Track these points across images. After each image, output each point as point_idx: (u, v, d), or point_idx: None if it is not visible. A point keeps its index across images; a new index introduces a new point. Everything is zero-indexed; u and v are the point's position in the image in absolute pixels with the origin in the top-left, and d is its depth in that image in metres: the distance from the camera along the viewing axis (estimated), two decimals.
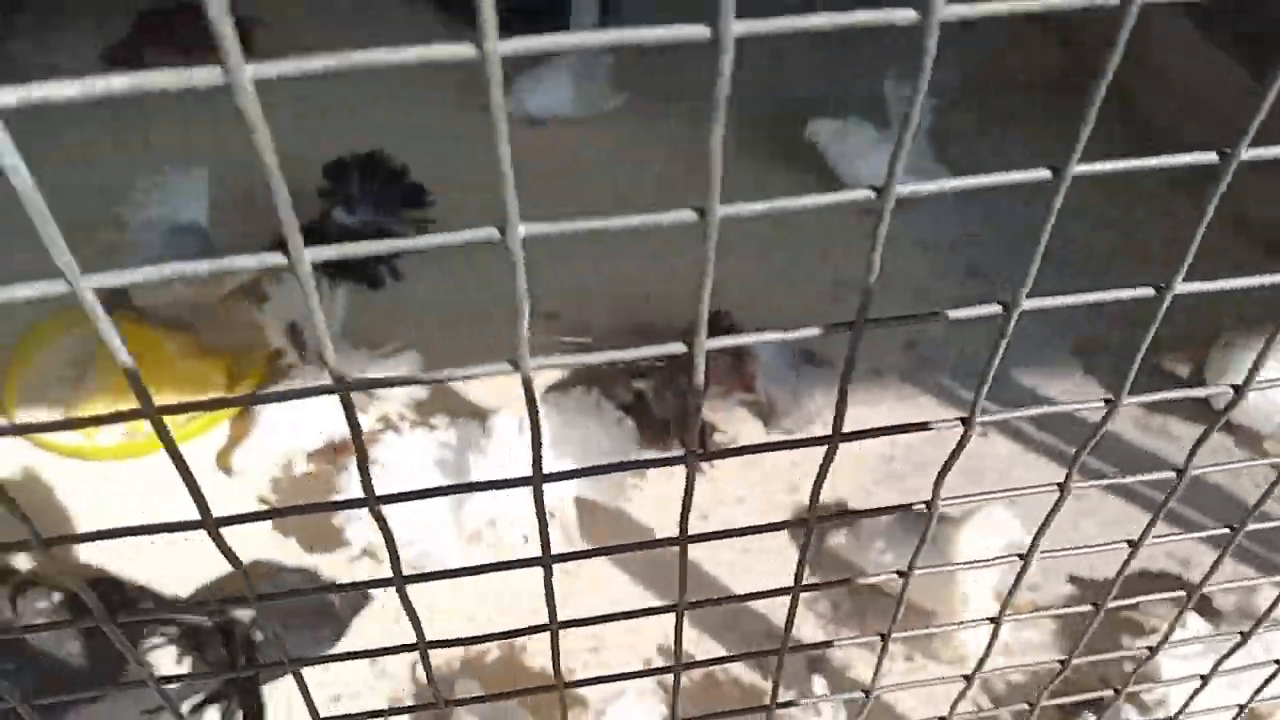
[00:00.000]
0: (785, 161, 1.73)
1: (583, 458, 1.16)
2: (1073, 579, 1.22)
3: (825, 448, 0.40)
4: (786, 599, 0.49)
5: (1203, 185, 0.33)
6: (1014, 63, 1.97)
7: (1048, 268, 0.37)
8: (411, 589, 0.43)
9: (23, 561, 1.18)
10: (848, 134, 1.63)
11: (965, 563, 0.51)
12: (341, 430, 1.30)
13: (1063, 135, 0.30)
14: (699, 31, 0.25)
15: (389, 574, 0.42)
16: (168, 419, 1.12)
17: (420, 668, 1.13)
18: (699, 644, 1.14)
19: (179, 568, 1.17)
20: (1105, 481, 0.50)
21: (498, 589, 1.18)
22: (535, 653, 1.13)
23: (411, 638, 0.47)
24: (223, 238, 1.49)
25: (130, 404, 1.11)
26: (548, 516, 0.40)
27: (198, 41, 1.88)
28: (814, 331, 0.35)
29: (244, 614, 1.04)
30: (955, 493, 0.50)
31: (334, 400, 0.33)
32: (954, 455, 0.43)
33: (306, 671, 0.47)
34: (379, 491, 1.07)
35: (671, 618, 0.50)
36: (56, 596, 1.06)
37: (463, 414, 1.28)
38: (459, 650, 1.14)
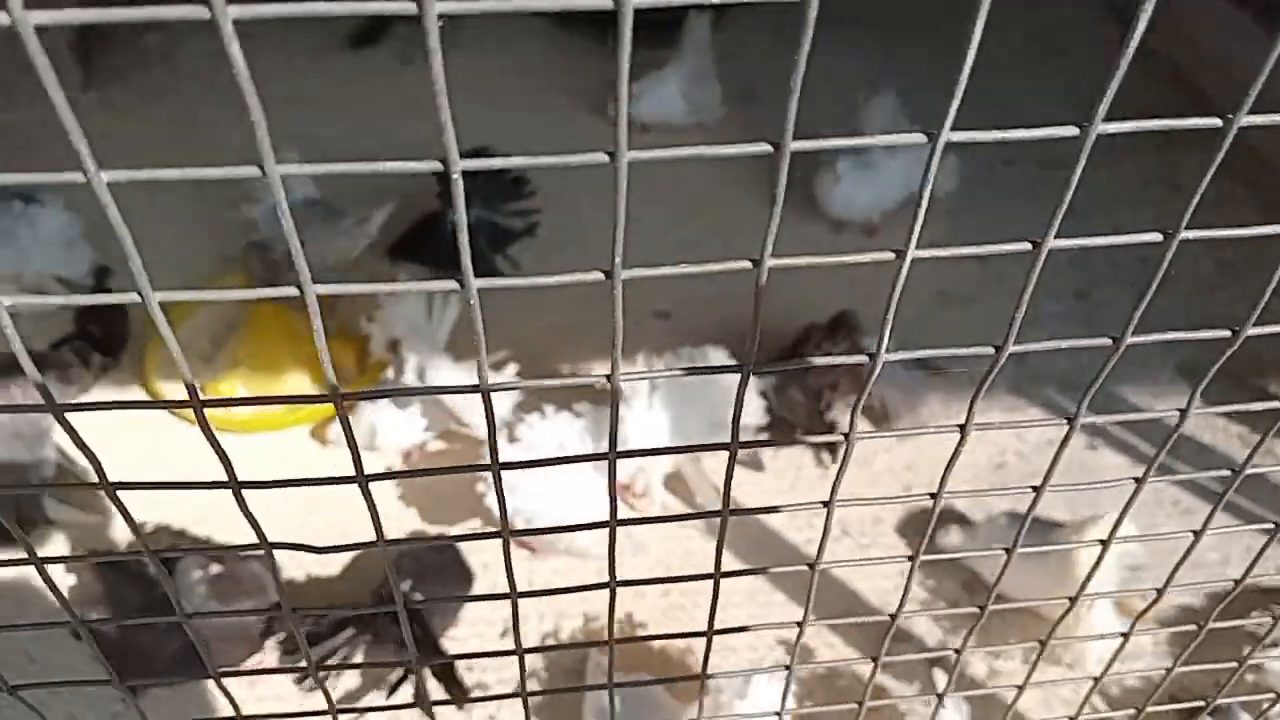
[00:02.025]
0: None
1: (711, 415, 1.20)
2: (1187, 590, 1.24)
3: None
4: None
5: None
6: (1120, 94, 2.00)
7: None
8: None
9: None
10: (837, 175, 1.66)
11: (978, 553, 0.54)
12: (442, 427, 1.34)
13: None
14: None
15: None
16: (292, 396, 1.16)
17: (550, 640, 1.16)
18: (819, 634, 1.17)
19: (319, 540, 1.22)
20: (1113, 419, 0.52)
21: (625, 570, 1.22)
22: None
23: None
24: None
25: (260, 380, 1.19)
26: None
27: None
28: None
29: (404, 583, 1.09)
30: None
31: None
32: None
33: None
34: (525, 470, 1.10)
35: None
36: (214, 568, 1.11)
37: (590, 398, 1.33)
38: (579, 623, 1.18)
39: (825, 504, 0.50)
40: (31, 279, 1.52)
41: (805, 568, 0.52)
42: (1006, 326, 0.39)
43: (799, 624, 0.56)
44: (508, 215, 1.59)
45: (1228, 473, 0.52)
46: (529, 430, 1.16)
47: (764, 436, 1.23)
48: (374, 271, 1.56)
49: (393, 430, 1.32)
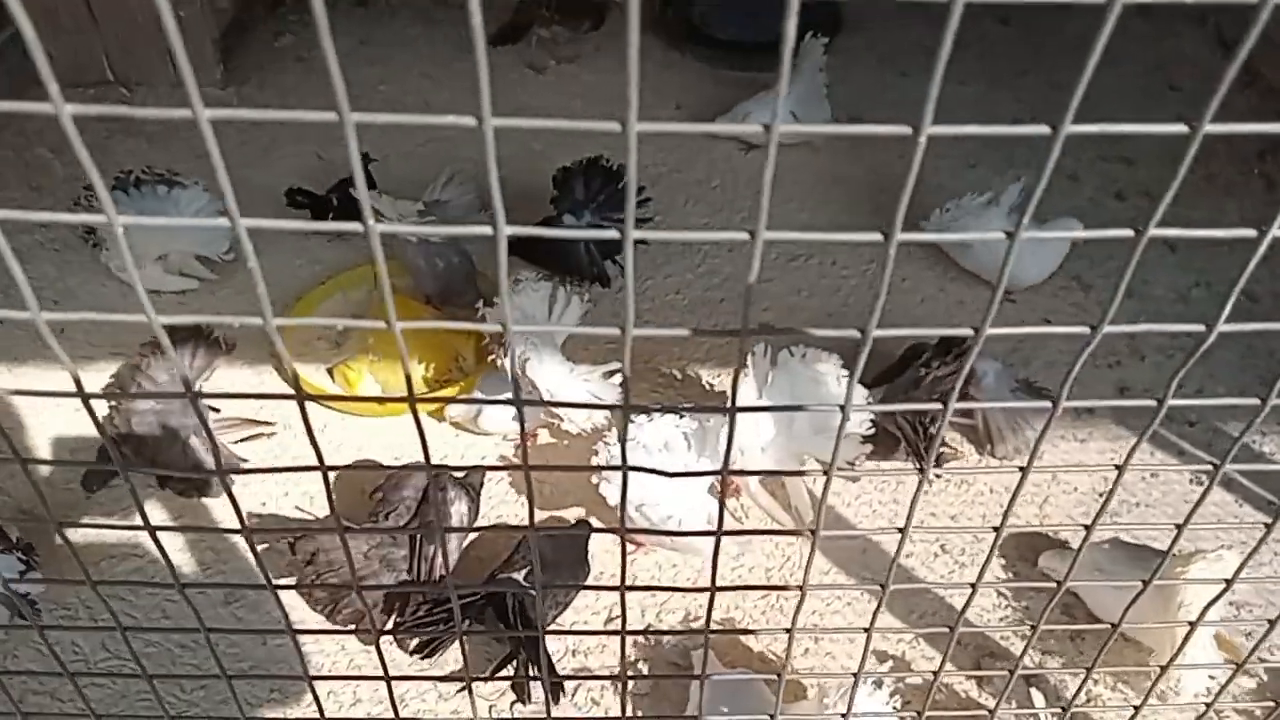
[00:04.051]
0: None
1: (816, 418, 1.23)
2: None
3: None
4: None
5: None
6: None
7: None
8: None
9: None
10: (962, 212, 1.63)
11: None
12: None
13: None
14: None
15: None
16: (420, 381, 1.27)
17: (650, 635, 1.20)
18: (916, 647, 1.19)
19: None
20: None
21: (727, 572, 1.26)
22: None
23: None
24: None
25: (387, 366, 1.27)
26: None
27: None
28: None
29: (517, 574, 1.14)
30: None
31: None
32: None
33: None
34: (632, 465, 1.15)
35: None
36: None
37: (692, 400, 1.37)
38: (680, 618, 1.22)
39: (850, 463, 0.53)
40: (176, 258, 1.62)
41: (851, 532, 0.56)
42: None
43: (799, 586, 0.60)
44: (620, 223, 1.64)
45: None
46: (638, 429, 1.20)
47: (869, 447, 1.25)
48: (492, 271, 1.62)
49: (495, 418, 1.38)
